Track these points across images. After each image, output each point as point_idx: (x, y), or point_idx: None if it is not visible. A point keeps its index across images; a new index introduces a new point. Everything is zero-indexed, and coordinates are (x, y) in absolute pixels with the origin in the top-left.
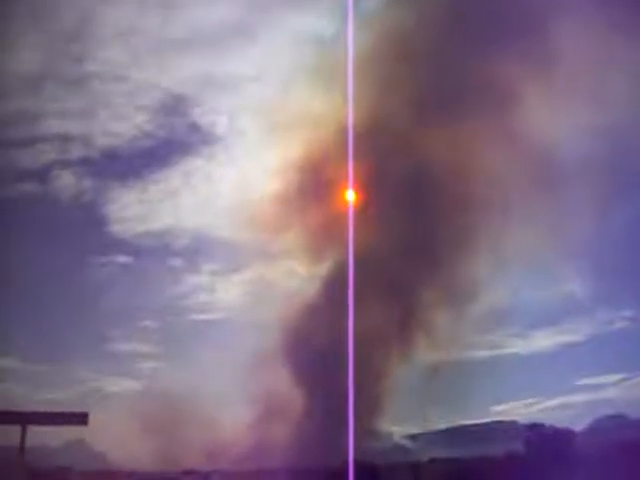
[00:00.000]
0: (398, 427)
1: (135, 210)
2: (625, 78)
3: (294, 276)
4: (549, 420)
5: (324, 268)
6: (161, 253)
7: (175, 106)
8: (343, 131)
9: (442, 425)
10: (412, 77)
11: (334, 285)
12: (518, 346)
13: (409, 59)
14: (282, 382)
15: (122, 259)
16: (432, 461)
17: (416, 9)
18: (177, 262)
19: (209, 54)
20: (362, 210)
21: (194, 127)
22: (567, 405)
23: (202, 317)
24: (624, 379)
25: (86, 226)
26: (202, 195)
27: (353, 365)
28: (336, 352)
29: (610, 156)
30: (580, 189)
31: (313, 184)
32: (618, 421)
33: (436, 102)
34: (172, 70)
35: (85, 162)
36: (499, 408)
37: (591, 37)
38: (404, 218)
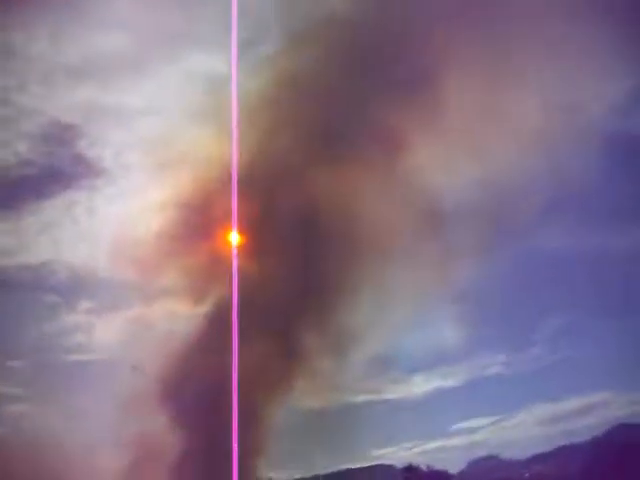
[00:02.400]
0: (279, 473)
1: (7, 241)
2: (507, 133)
3: (175, 316)
4: (426, 462)
5: (206, 309)
6: (36, 288)
7: (60, 135)
8: (229, 171)
9: (324, 470)
10: (303, 120)
11: (216, 327)
12: (398, 391)
13: (300, 102)
14: (160, 425)
15: None
16: None
17: (311, 55)
18: (53, 298)
19: (99, 84)
20: (247, 251)
21: (79, 158)
22: (443, 448)
23: (77, 357)
24: (496, 421)
25: None
26: (83, 229)
27: (237, 410)
28: (217, 395)
29: (492, 206)
30: (462, 237)
31: (198, 223)
32: (491, 462)
33: (325, 146)
34: (59, 98)
35: None
36: (379, 452)
37: (478, 91)
38: (290, 260)
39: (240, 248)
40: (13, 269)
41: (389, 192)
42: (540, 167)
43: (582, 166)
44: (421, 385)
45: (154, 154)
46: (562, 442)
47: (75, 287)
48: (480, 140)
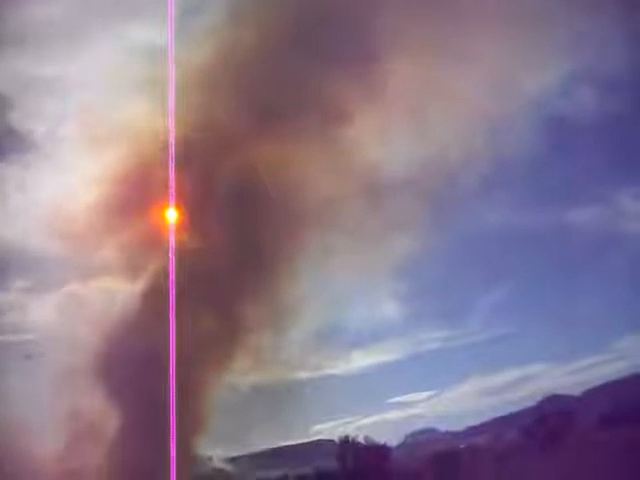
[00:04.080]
0: (219, 450)
1: None
2: (449, 109)
3: (111, 293)
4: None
5: (143, 286)
6: None
7: None
8: (166, 145)
9: (263, 446)
10: (243, 93)
11: (153, 303)
12: (337, 367)
13: (240, 75)
14: (97, 403)
15: None
16: None
17: (254, 26)
18: None
19: (32, 54)
20: (185, 226)
21: (10, 131)
22: (382, 422)
23: (11, 338)
24: (434, 395)
25: None
26: (15, 205)
27: (174, 385)
28: (154, 370)
29: (431, 181)
30: (401, 211)
31: (134, 198)
32: (428, 435)
33: (268, 116)
34: None
35: None
36: (319, 427)
37: (422, 67)
38: (230, 234)
39: (178, 223)
40: None
41: (329, 165)
42: (479, 144)
43: (520, 145)
44: (360, 360)
45: (89, 127)
46: (497, 414)
47: (7, 265)
48: (421, 116)
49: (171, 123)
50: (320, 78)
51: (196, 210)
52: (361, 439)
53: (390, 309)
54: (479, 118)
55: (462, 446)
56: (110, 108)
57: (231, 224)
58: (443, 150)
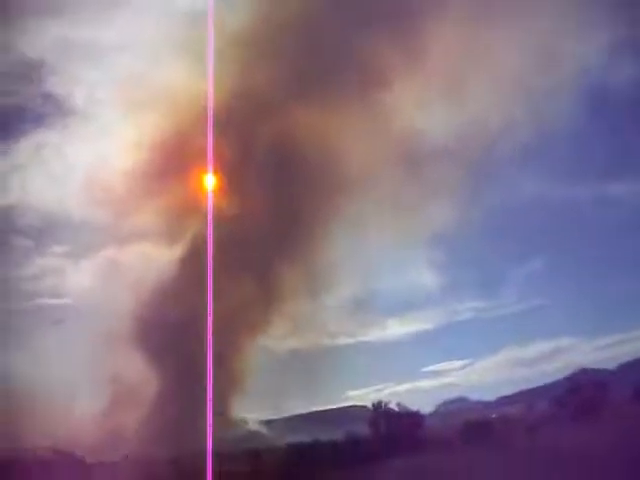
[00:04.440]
0: (253, 413)
1: None
2: (488, 78)
3: (149, 258)
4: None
5: (181, 251)
6: (5, 231)
7: (28, 73)
8: (206, 110)
9: (297, 411)
10: (282, 57)
11: (191, 268)
12: (372, 334)
13: (280, 39)
14: (135, 366)
15: None
16: (288, 446)
17: None
18: (23, 242)
19: (70, 19)
20: (223, 191)
21: (48, 97)
22: (415, 390)
23: (50, 302)
24: (467, 365)
25: None
26: (53, 171)
27: (212, 351)
28: (192, 335)
29: (470, 149)
30: (439, 179)
31: (173, 163)
32: (460, 404)
33: (305, 83)
34: (28, 33)
35: None
36: (353, 393)
37: (462, 36)
38: (268, 199)
39: (216, 189)
40: None
41: (368, 131)
42: (519, 114)
43: (560, 115)
44: (395, 328)
45: (127, 92)
46: (530, 385)
47: (46, 230)
48: (461, 84)
49: (210, 88)
50: (360, 44)
51: (234, 176)
52: (394, 406)
53: (426, 278)
54: (520, 88)
55: (494, 415)
56: (149, 73)
57: (269, 190)
58: (482, 119)
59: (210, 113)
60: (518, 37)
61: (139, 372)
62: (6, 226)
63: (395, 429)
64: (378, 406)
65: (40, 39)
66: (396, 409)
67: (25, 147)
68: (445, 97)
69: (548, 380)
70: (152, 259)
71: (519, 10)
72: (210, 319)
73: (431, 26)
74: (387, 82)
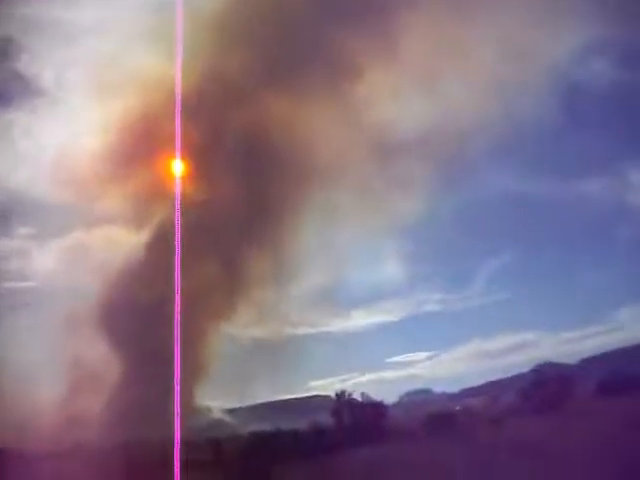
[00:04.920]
0: (217, 401)
1: None
2: (462, 71)
3: (115, 242)
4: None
5: (147, 236)
6: None
7: None
8: (174, 95)
9: (261, 400)
10: (254, 43)
11: (157, 253)
12: (338, 324)
13: (252, 25)
14: (99, 350)
15: None
16: (250, 435)
17: None
18: None
19: None
20: (192, 176)
21: (17, 76)
22: (379, 380)
23: (13, 285)
24: (431, 356)
25: None
26: (20, 151)
27: (179, 334)
28: (157, 320)
29: (441, 142)
30: (409, 170)
31: (141, 148)
32: (424, 395)
33: (277, 71)
34: None
35: None
36: (317, 383)
37: (437, 27)
38: (237, 186)
39: (184, 174)
40: None
41: (339, 121)
42: (492, 108)
43: (534, 112)
44: (360, 318)
45: (97, 74)
46: (494, 377)
47: (11, 211)
48: (434, 76)
49: (178, 73)
50: (333, 32)
51: (203, 161)
52: (357, 396)
53: (393, 269)
54: (493, 82)
55: (458, 408)
56: (119, 56)
57: (238, 176)
58: (455, 112)
59: (178, 98)
60: (493, 31)
61: (103, 356)
62: None
63: (358, 419)
64: (341, 396)
65: (8, 17)
66: (359, 399)
67: None
68: (418, 89)
69: (513, 373)
70: (119, 243)
71: (494, 3)
72: (178, 304)
73: (405, 17)
74: (359, 72)
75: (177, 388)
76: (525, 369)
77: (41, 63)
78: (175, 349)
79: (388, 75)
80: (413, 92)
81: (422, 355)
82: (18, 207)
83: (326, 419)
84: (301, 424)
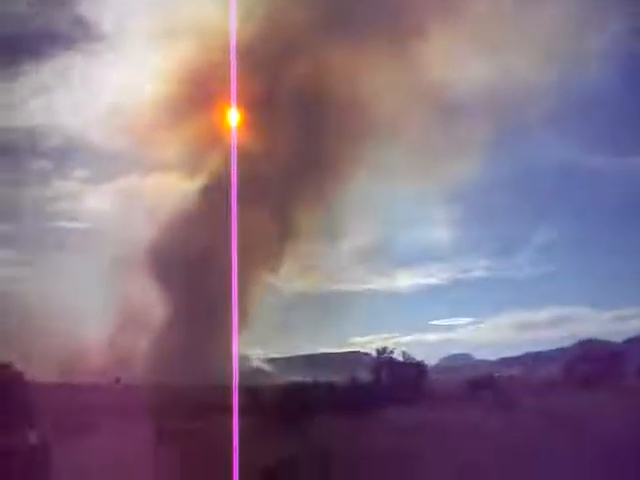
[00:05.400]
0: (258, 350)
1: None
2: (522, 39)
3: (168, 189)
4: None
5: (201, 183)
6: (27, 152)
7: None
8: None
9: (301, 351)
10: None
11: (210, 201)
12: (381, 283)
13: None
14: (146, 294)
15: None
16: (288, 385)
17: None
18: (44, 164)
19: None
20: (247, 125)
21: (78, 21)
22: (420, 342)
23: (68, 225)
24: (473, 322)
25: None
26: (78, 95)
27: (236, 282)
28: (206, 266)
29: (498, 106)
30: (471, 133)
31: (197, 96)
32: (464, 360)
33: (339, 21)
34: None
35: None
36: (358, 340)
37: None
38: (292, 139)
39: (239, 123)
40: (3, 130)
41: (399, 78)
42: (550, 76)
43: (591, 83)
44: (405, 280)
45: (156, 20)
46: (532, 349)
47: (68, 154)
48: (494, 41)
49: (233, 22)
50: None
51: (259, 112)
52: (398, 355)
53: (441, 232)
54: (552, 50)
55: (496, 375)
56: (178, 3)
57: (293, 129)
58: (516, 79)
59: (233, 47)
60: (558, 3)
61: (150, 299)
62: (29, 148)
63: (397, 378)
64: (382, 353)
65: None
66: (400, 358)
67: (52, 69)
68: (480, 52)
69: (553, 346)
70: (172, 190)
71: None
72: (234, 252)
73: None
74: (421, 31)
75: (235, 335)
76: (565, 344)
77: (101, 9)
78: (232, 296)
79: (449, 36)
80: (475, 57)
81: (464, 320)
82: (74, 150)
83: (365, 375)
84: (339, 379)
